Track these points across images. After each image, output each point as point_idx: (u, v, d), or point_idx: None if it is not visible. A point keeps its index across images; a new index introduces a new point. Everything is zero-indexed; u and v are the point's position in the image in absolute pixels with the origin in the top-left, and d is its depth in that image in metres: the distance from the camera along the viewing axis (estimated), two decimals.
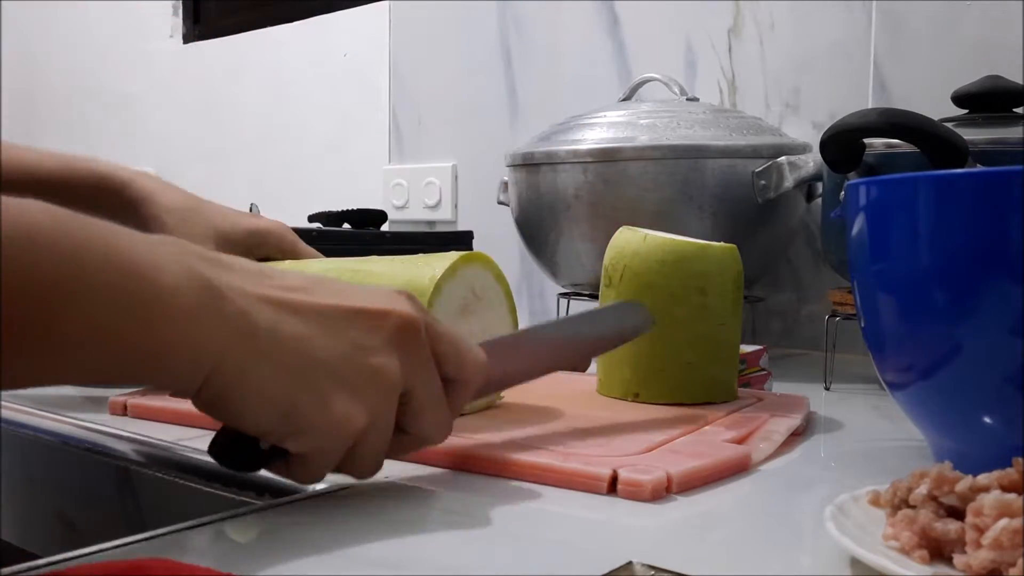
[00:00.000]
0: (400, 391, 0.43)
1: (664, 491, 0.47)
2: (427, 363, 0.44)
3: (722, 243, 0.66)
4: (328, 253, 0.79)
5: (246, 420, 0.39)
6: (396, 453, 0.46)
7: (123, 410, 0.67)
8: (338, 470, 0.44)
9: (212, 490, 0.54)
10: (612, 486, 0.47)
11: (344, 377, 0.41)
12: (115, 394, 0.68)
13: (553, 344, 0.57)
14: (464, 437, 0.55)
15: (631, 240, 0.66)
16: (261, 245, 0.75)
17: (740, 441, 0.56)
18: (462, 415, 0.52)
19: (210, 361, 0.37)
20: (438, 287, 0.58)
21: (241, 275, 0.39)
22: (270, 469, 0.43)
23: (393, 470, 0.52)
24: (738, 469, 0.52)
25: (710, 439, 0.55)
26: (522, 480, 0.49)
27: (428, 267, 0.60)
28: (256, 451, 0.41)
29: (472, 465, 0.51)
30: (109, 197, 0.70)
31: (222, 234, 0.72)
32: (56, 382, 0.35)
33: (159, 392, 0.37)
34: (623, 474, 0.47)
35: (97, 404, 0.69)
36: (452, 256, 0.61)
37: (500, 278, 0.65)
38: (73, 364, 0.34)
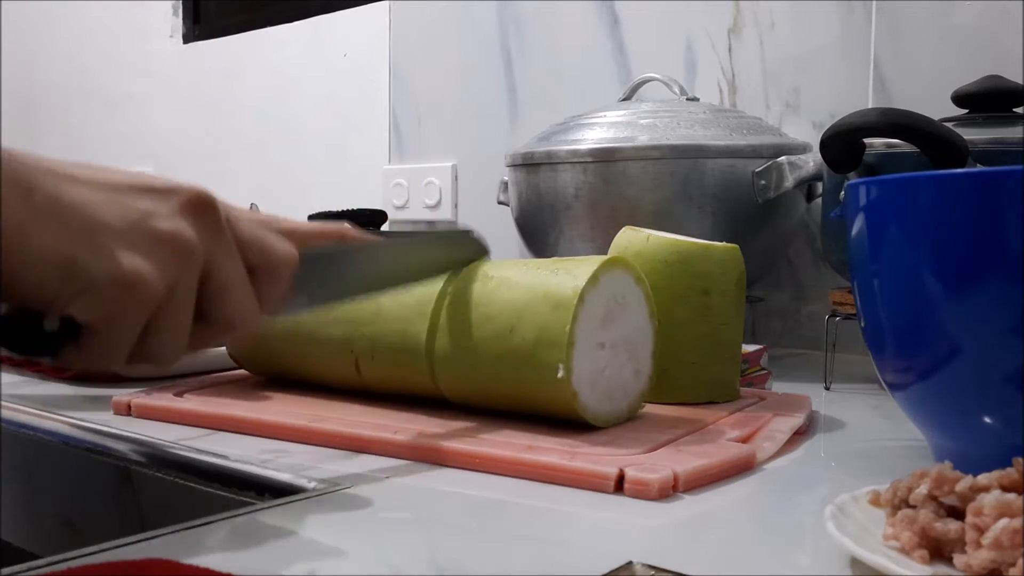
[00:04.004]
0: (199, 263, 0.41)
1: (670, 490, 0.47)
2: (226, 241, 0.43)
3: (724, 243, 0.66)
4: None
5: (25, 279, 0.37)
6: (200, 343, 0.44)
7: (127, 410, 0.67)
8: (135, 359, 0.41)
9: (212, 490, 0.54)
10: (619, 485, 0.47)
11: (132, 239, 0.40)
12: (116, 394, 0.68)
13: (375, 264, 0.55)
14: (470, 436, 0.55)
15: (634, 240, 0.66)
16: None
17: (744, 440, 0.56)
18: None
19: None
20: (582, 297, 0.55)
21: (29, 157, 0.39)
22: (63, 358, 0.40)
23: (393, 470, 0.52)
24: (743, 468, 0.52)
25: (715, 438, 0.55)
26: (529, 479, 0.50)
27: (570, 276, 0.56)
28: (40, 331, 0.39)
29: (477, 464, 0.52)
30: None
31: None
32: None
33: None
34: (630, 473, 0.47)
35: (98, 404, 0.69)
36: (592, 262, 0.57)
37: (640, 280, 0.60)
38: None
